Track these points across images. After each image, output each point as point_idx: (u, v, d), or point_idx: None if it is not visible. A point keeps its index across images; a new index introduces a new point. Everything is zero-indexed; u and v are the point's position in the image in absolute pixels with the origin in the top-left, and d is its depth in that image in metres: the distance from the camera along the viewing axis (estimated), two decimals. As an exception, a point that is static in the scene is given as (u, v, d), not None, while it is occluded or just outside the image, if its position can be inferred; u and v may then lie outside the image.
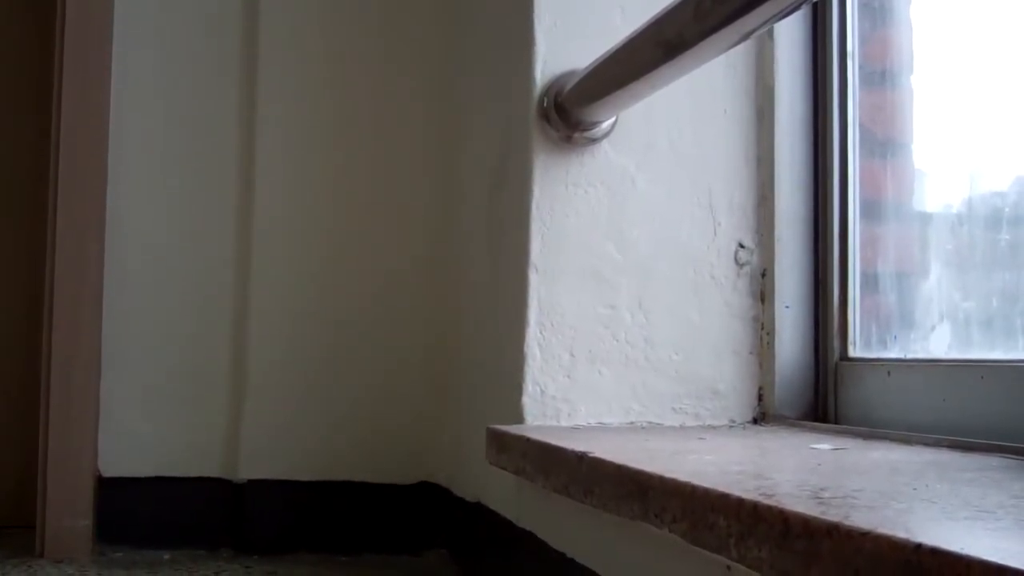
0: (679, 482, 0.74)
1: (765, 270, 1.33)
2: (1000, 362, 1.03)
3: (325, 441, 1.74)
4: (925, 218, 1.25)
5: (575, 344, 1.28)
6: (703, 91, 1.33)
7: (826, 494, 0.68)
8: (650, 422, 1.29)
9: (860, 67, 1.29)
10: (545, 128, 1.29)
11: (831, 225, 1.29)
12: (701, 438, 1.13)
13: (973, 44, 1.17)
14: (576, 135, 1.28)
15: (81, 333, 1.67)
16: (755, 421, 1.32)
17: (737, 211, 1.33)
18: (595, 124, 1.28)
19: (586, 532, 1.07)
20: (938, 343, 1.16)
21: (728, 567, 0.76)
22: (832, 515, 0.58)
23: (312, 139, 1.78)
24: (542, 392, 1.27)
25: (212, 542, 1.72)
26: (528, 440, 1.10)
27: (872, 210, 1.28)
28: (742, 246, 1.33)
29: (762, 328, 1.33)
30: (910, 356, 1.18)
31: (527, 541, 1.23)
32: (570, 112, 1.26)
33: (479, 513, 1.47)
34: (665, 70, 1.05)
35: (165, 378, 1.74)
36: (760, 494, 0.66)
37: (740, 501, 0.65)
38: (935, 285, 1.18)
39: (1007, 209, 1.10)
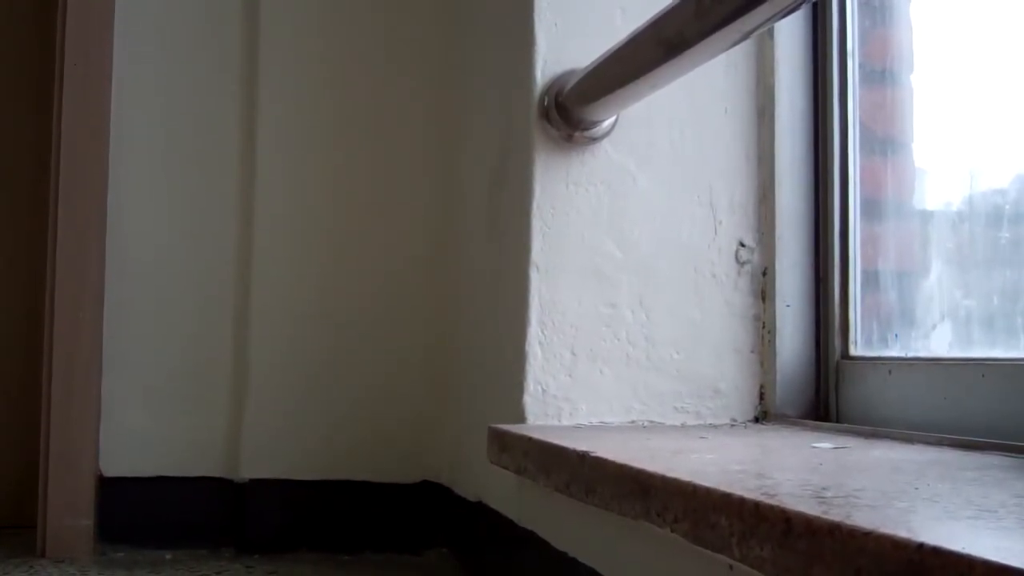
0: (681, 481, 0.74)
1: (766, 268, 1.33)
2: (1001, 360, 1.03)
3: (326, 440, 1.74)
4: (926, 216, 1.25)
5: (576, 343, 1.28)
6: (704, 90, 1.33)
7: (828, 493, 0.68)
8: (651, 421, 1.29)
9: (860, 65, 1.29)
10: (546, 127, 1.29)
11: (832, 223, 1.29)
12: (702, 437, 1.13)
13: (973, 42, 1.17)
14: (577, 134, 1.28)
15: (82, 332, 1.67)
16: (756, 420, 1.32)
17: (738, 210, 1.33)
18: (596, 123, 1.28)
19: (587, 531, 1.07)
20: (939, 341, 1.16)
21: (730, 567, 0.76)
22: (834, 514, 0.58)
23: (312, 139, 1.78)
24: (543, 391, 1.27)
25: (213, 541, 1.72)
26: (529, 439, 1.10)
27: (873, 208, 1.28)
28: (743, 244, 1.33)
29: (763, 327, 1.33)
30: (911, 354, 1.18)
31: (528, 540, 1.23)
32: (571, 111, 1.26)
33: (480, 512, 1.47)
34: (666, 69, 1.05)
35: (166, 378, 1.74)
36: (762, 493, 0.66)
37: (742, 500, 0.65)
38: (936, 283, 1.18)
39: (1007, 207, 1.10)
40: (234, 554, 1.70)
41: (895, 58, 1.30)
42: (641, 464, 0.83)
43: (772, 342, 1.31)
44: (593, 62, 1.20)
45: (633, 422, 1.29)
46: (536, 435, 1.10)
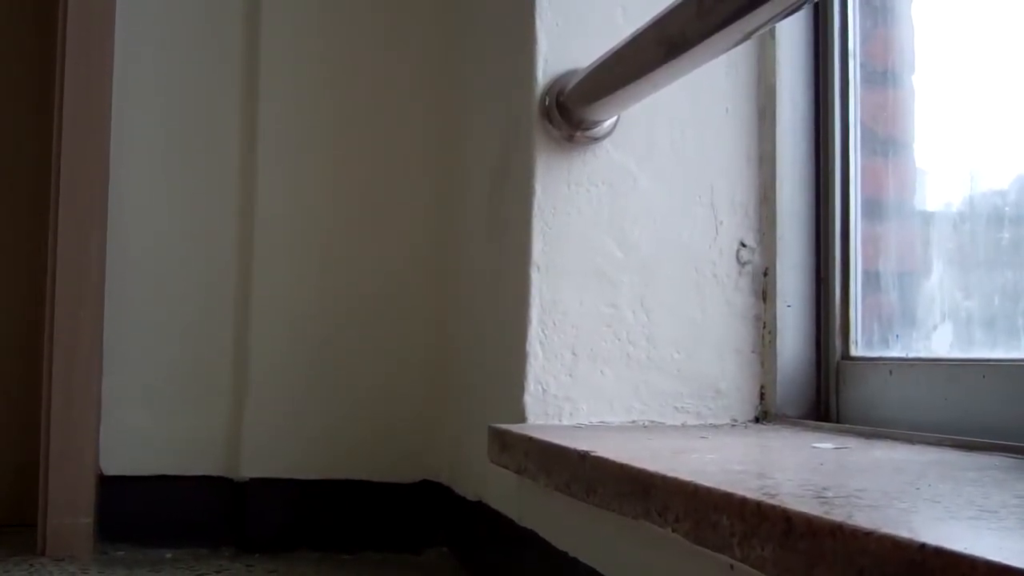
0: (682, 481, 0.74)
1: (767, 269, 1.33)
2: (1002, 361, 1.03)
3: (326, 440, 1.74)
4: (927, 217, 1.25)
5: (577, 343, 1.28)
6: (705, 90, 1.33)
7: (829, 493, 0.68)
8: (652, 421, 1.29)
9: (862, 66, 1.29)
10: (547, 127, 1.29)
11: (833, 224, 1.29)
12: (703, 437, 1.13)
13: (974, 43, 1.17)
14: (578, 134, 1.28)
15: (82, 331, 1.67)
16: (757, 420, 1.32)
17: (739, 210, 1.33)
18: (597, 123, 1.28)
19: (588, 531, 1.07)
20: (940, 342, 1.16)
21: (731, 566, 0.76)
22: (836, 514, 0.58)
23: (313, 139, 1.78)
24: (544, 391, 1.27)
25: (214, 540, 1.72)
26: (530, 439, 1.10)
27: (874, 209, 1.28)
28: (744, 245, 1.33)
29: (764, 327, 1.33)
30: (912, 355, 1.18)
31: (529, 540, 1.23)
32: (572, 111, 1.26)
33: (480, 512, 1.47)
34: (667, 69, 1.05)
35: (166, 376, 1.74)
36: (763, 493, 0.66)
37: (743, 500, 0.65)
38: (937, 284, 1.18)
39: (1007, 208, 1.10)
40: (234, 553, 1.70)
41: (896, 59, 1.30)
42: (642, 464, 0.83)
43: (773, 342, 1.31)
44: (594, 62, 1.20)
45: (634, 422, 1.29)
46: (537, 435, 1.10)
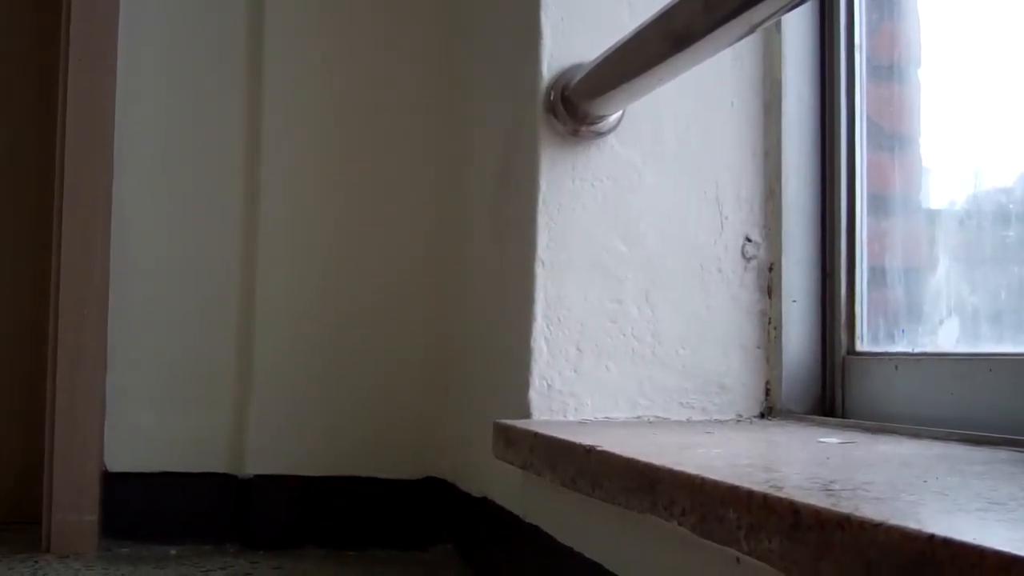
0: (688, 475, 0.74)
1: (772, 264, 1.33)
2: (1008, 355, 1.02)
3: (331, 436, 1.74)
4: (933, 212, 1.25)
5: (582, 338, 1.28)
6: (710, 84, 1.33)
7: (836, 487, 0.67)
8: (657, 416, 1.29)
9: (868, 60, 1.29)
10: (552, 122, 1.28)
11: (838, 219, 1.29)
12: (708, 432, 1.13)
13: (981, 38, 1.16)
14: (583, 129, 1.28)
15: (86, 329, 1.67)
16: (762, 415, 1.32)
17: (744, 205, 1.33)
18: (602, 118, 1.27)
19: (593, 526, 1.06)
20: (946, 337, 1.15)
21: (738, 560, 0.75)
22: (843, 507, 0.57)
23: (316, 136, 1.78)
24: (549, 386, 1.27)
25: (218, 537, 1.72)
26: (535, 434, 1.10)
27: (880, 204, 1.28)
28: (749, 240, 1.33)
29: (769, 322, 1.32)
30: (918, 350, 1.18)
31: (534, 535, 1.23)
32: (577, 106, 1.25)
33: (485, 508, 1.47)
34: (673, 63, 1.05)
35: (171, 373, 1.74)
36: (770, 487, 0.66)
37: (750, 493, 0.65)
38: (943, 279, 1.18)
39: (1012, 205, 1.09)
40: (238, 550, 1.70)
41: (903, 53, 1.29)
42: (648, 458, 0.83)
43: (778, 338, 1.31)
44: (599, 56, 1.19)
45: (639, 417, 1.28)
46: (542, 430, 1.10)
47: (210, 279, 1.76)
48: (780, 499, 0.62)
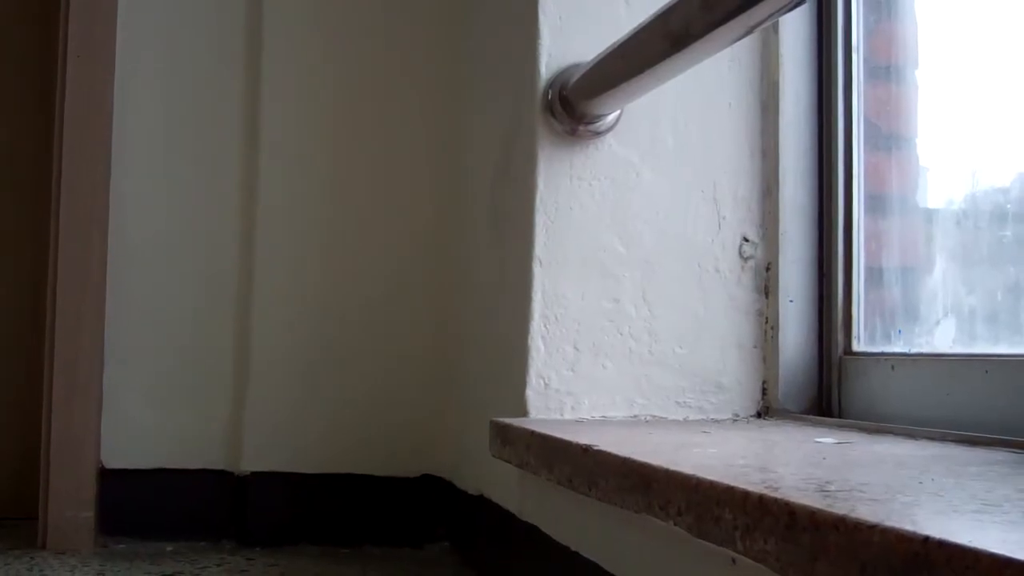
0: (684, 475, 0.74)
1: (769, 264, 1.33)
2: (1005, 356, 1.03)
3: (328, 434, 1.74)
4: (929, 213, 1.25)
5: (579, 337, 1.28)
6: (708, 84, 1.33)
7: (832, 487, 0.68)
8: (654, 416, 1.29)
9: (865, 61, 1.29)
10: (550, 121, 1.28)
11: (836, 219, 1.29)
12: (705, 432, 1.13)
13: (977, 39, 1.17)
14: (581, 128, 1.28)
15: (84, 324, 1.67)
16: (759, 415, 1.32)
17: (741, 204, 1.33)
18: (600, 117, 1.28)
19: (589, 525, 1.07)
20: (942, 337, 1.15)
21: (733, 560, 0.76)
22: (839, 508, 0.57)
23: (315, 132, 1.77)
24: (546, 385, 1.27)
25: (215, 534, 1.72)
26: (532, 433, 1.10)
27: (877, 204, 1.28)
28: (746, 240, 1.33)
29: (766, 322, 1.33)
30: (914, 350, 1.18)
31: (530, 534, 1.23)
32: (575, 105, 1.25)
33: (482, 506, 1.47)
34: (671, 63, 1.05)
35: (168, 370, 1.74)
36: (766, 487, 0.66)
37: (746, 494, 0.65)
38: (939, 279, 1.18)
39: (1009, 205, 1.10)
40: (235, 547, 1.70)
41: (900, 54, 1.30)
42: (644, 458, 0.83)
43: (775, 337, 1.31)
44: (598, 56, 1.20)
45: (635, 417, 1.28)
46: (539, 429, 1.10)
47: (208, 275, 1.76)
48: (776, 500, 0.62)
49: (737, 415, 1.32)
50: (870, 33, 1.30)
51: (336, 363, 1.76)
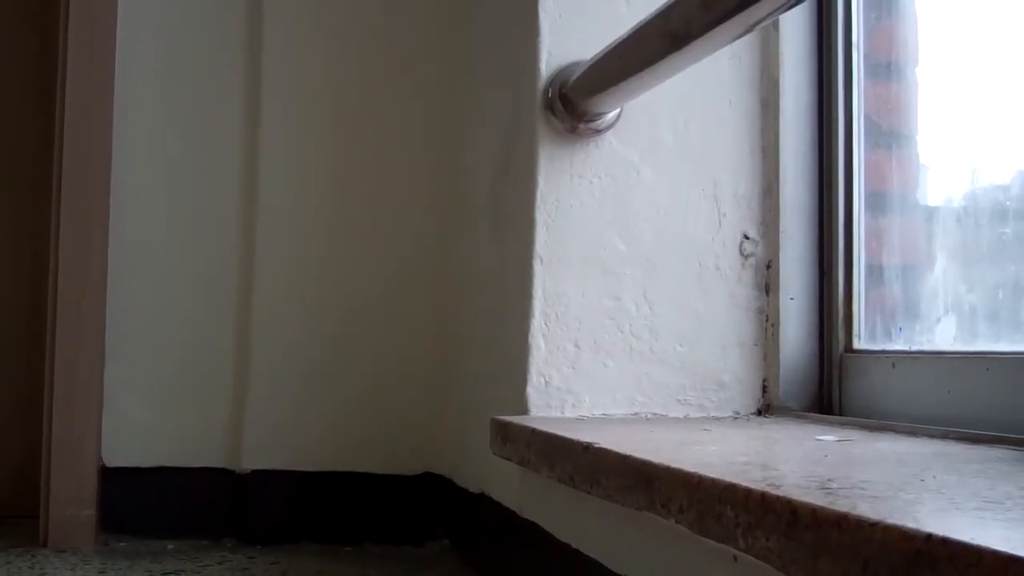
0: (686, 472, 0.74)
1: (770, 261, 1.33)
2: (1005, 354, 1.03)
3: (328, 432, 1.74)
4: (930, 210, 1.25)
5: (580, 335, 1.28)
6: (708, 82, 1.33)
7: (834, 485, 0.68)
8: (654, 413, 1.29)
9: (865, 58, 1.29)
10: (550, 119, 1.28)
11: (836, 216, 1.29)
12: (706, 429, 1.13)
13: (977, 36, 1.17)
14: (581, 126, 1.28)
15: (84, 323, 1.67)
16: (759, 413, 1.32)
17: (742, 202, 1.33)
18: (600, 115, 1.28)
19: (590, 523, 1.07)
20: (943, 335, 1.16)
21: (734, 557, 0.76)
22: (841, 505, 0.58)
23: (315, 131, 1.77)
24: (546, 383, 1.27)
25: (215, 532, 1.72)
26: (533, 431, 1.10)
27: (877, 202, 1.28)
28: (747, 237, 1.33)
29: (767, 320, 1.33)
30: (915, 348, 1.18)
31: (531, 532, 1.23)
32: (575, 103, 1.25)
33: (482, 504, 1.47)
34: (671, 61, 1.05)
35: (169, 368, 1.74)
36: (768, 484, 0.66)
37: (748, 491, 0.65)
38: (940, 277, 1.18)
39: (1009, 203, 1.10)
40: (236, 545, 1.70)
41: (900, 51, 1.30)
42: (646, 455, 0.83)
43: (776, 335, 1.31)
44: (598, 53, 1.20)
45: (636, 414, 1.29)
46: (539, 426, 1.10)
47: (208, 274, 1.76)
48: (778, 497, 0.62)
49: (738, 413, 1.32)
50: (870, 30, 1.30)
51: (337, 361, 1.76)
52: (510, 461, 1.18)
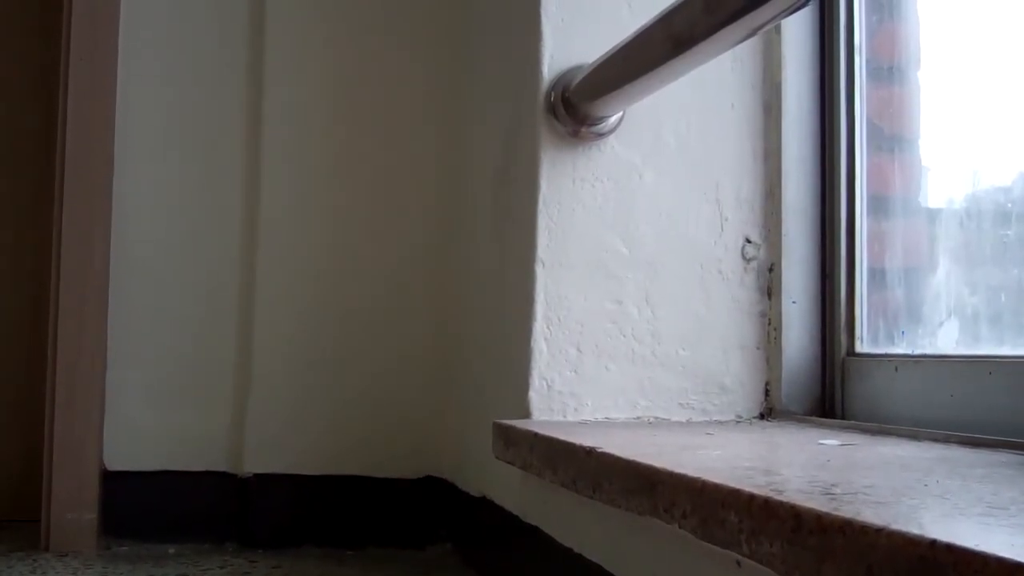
0: (689, 477, 0.74)
1: (772, 265, 1.33)
2: (1008, 358, 1.03)
3: (330, 435, 1.74)
4: (932, 213, 1.25)
5: (582, 339, 1.28)
6: (710, 86, 1.33)
7: (837, 490, 0.67)
8: (657, 417, 1.29)
9: (867, 62, 1.29)
10: (552, 123, 1.28)
11: (838, 220, 1.29)
12: (709, 433, 1.13)
13: (979, 39, 1.17)
14: (583, 130, 1.28)
15: (86, 326, 1.67)
16: (762, 416, 1.32)
17: (744, 206, 1.33)
18: (602, 119, 1.28)
19: (593, 527, 1.06)
20: (946, 339, 1.15)
21: (738, 563, 0.75)
22: (844, 511, 0.57)
23: (317, 134, 1.78)
24: (549, 387, 1.27)
25: (217, 536, 1.72)
26: (535, 435, 1.10)
27: (879, 205, 1.28)
28: (749, 241, 1.33)
29: (769, 323, 1.33)
30: (918, 352, 1.18)
31: (533, 536, 1.23)
32: (577, 107, 1.25)
33: (484, 508, 1.47)
34: (673, 65, 1.05)
35: (170, 371, 1.74)
36: (771, 489, 0.66)
37: (751, 497, 0.65)
38: (943, 280, 1.18)
39: (1010, 205, 1.10)
40: (237, 548, 1.70)
41: (902, 54, 1.30)
42: (649, 460, 0.83)
43: (778, 339, 1.31)
44: (600, 57, 1.19)
45: (638, 418, 1.28)
46: (542, 431, 1.10)
47: (210, 277, 1.76)
48: (781, 503, 0.62)
49: (740, 416, 1.32)
50: (872, 34, 1.29)
51: (338, 365, 1.76)
52: (512, 465, 1.18)
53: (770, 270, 1.33)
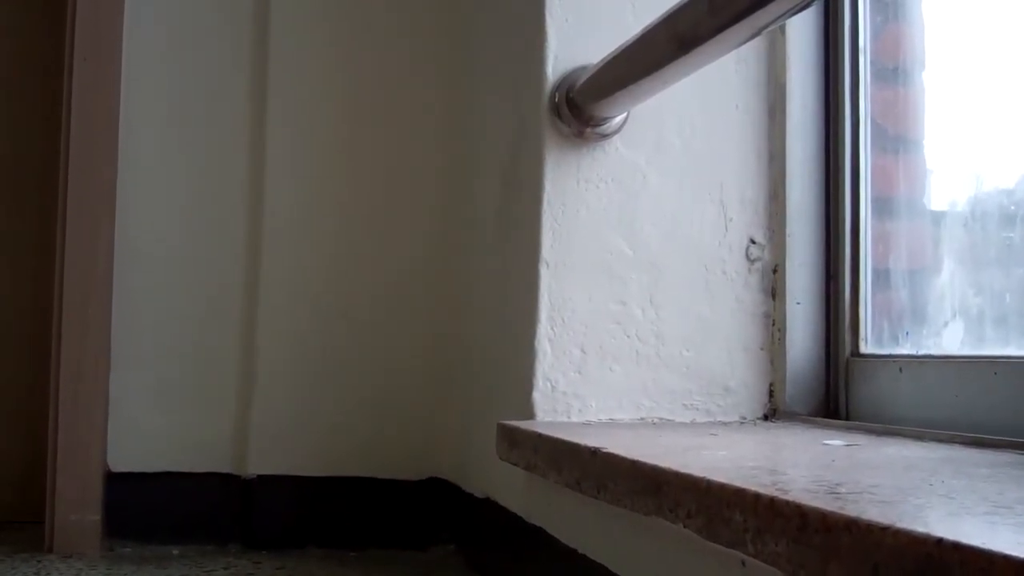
0: (695, 477, 0.74)
1: (776, 266, 1.33)
2: (1013, 358, 1.02)
3: (334, 437, 1.74)
4: (937, 214, 1.25)
5: (586, 340, 1.28)
6: (715, 87, 1.33)
7: (842, 489, 0.67)
8: (661, 418, 1.29)
9: (872, 63, 1.29)
10: (556, 124, 1.28)
11: (843, 221, 1.29)
12: (713, 434, 1.13)
13: (984, 40, 1.17)
14: (588, 131, 1.28)
15: (90, 327, 1.67)
16: (766, 417, 1.32)
17: (748, 207, 1.33)
18: (607, 120, 1.28)
19: (597, 528, 1.06)
20: (951, 339, 1.15)
21: (743, 562, 0.75)
22: (850, 510, 0.57)
23: (322, 135, 1.78)
24: (552, 388, 1.27)
25: (221, 537, 1.72)
26: (540, 436, 1.10)
27: (884, 206, 1.28)
28: (753, 242, 1.33)
29: (773, 324, 1.33)
30: (922, 352, 1.18)
31: (537, 537, 1.23)
32: (582, 108, 1.25)
33: (488, 509, 1.47)
34: (678, 65, 1.05)
35: (174, 373, 1.74)
36: (777, 489, 0.66)
37: (757, 496, 0.65)
38: (947, 281, 1.18)
39: (1013, 207, 1.09)
40: (241, 550, 1.70)
41: (907, 55, 1.30)
42: (654, 460, 0.83)
43: (782, 340, 1.31)
44: (604, 58, 1.19)
45: (643, 419, 1.28)
46: (546, 431, 1.10)
47: (215, 277, 1.76)
48: (787, 502, 0.62)
49: (744, 417, 1.32)
50: (877, 35, 1.29)
51: (342, 366, 1.76)
52: (516, 466, 1.18)
53: (774, 271, 1.33)
